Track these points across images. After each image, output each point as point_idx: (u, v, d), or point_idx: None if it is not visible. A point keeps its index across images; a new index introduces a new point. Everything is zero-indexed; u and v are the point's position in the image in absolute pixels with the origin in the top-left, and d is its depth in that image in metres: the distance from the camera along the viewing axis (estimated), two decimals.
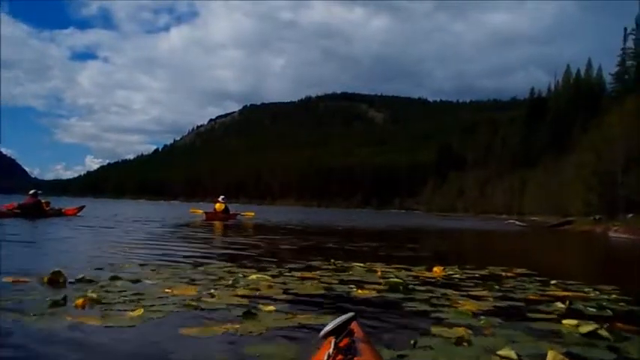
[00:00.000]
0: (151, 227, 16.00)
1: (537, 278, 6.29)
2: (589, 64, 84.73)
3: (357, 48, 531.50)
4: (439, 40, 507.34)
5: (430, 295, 4.83)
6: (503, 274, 6.72)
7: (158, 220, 21.62)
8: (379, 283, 5.41)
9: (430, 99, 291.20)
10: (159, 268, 5.90)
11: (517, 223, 38.50)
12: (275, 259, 7.43)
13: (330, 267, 6.72)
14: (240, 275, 5.53)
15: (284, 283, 5.17)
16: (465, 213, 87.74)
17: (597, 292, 5.35)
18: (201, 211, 22.89)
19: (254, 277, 5.43)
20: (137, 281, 4.96)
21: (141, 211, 32.81)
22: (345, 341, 1.63)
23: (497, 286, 5.50)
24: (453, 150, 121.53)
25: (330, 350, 1.58)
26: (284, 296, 4.47)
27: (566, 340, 3.33)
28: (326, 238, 14.28)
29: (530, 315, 4.07)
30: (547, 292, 5.25)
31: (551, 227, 31.98)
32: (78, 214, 20.29)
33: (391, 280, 5.53)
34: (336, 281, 5.46)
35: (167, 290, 4.52)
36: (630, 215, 27.24)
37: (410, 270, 6.65)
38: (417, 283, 5.58)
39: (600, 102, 67.21)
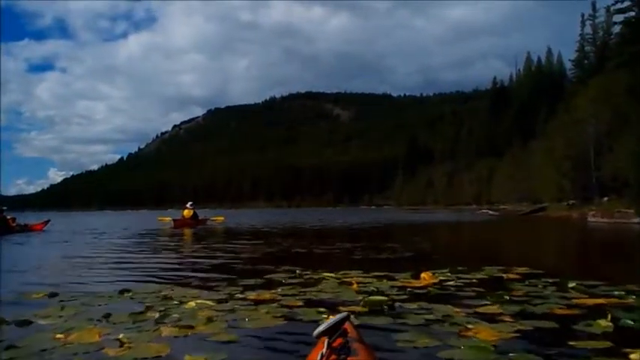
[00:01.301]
0: (109, 239, 15.13)
1: (548, 280, 5.14)
2: (549, 52, 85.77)
3: (318, 47, 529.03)
4: (400, 36, 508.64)
5: (426, 316, 3.62)
6: (505, 276, 5.58)
7: (120, 231, 20.61)
8: (356, 302, 4.18)
9: (394, 94, 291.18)
10: (72, 298, 4.55)
11: (489, 212, 37.98)
12: (229, 274, 6.13)
13: (295, 280, 5.46)
14: (176, 302, 4.24)
15: (231, 311, 3.90)
16: (434, 205, 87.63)
17: (633, 297, 4.23)
18: (169, 219, 22.47)
19: (193, 304, 4.14)
20: (27, 323, 3.61)
21: (106, 223, 31.51)
22: (338, 341, 1.62)
23: (506, 296, 4.32)
24: (420, 144, 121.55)
25: (324, 350, 1.58)
26: (225, 335, 3.20)
27: None
28: (294, 240, 12.99)
29: (573, 343, 2.90)
30: (572, 301, 4.10)
31: (524, 215, 31.38)
32: (43, 229, 20.01)
33: (372, 297, 4.30)
34: (301, 302, 4.20)
35: (59, 336, 3.21)
36: (606, 199, 26.68)
37: (393, 278, 5.43)
38: (404, 297, 4.37)
39: (562, 88, 67.97)
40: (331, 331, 1.62)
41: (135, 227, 23.49)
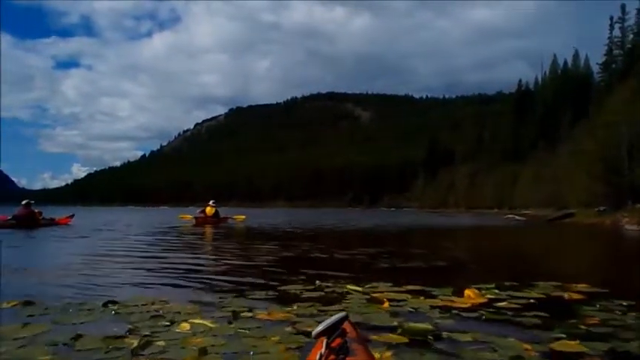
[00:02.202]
0: (126, 235, 14.96)
1: (622, 303, 4.18)
2: (576, 55, 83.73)
3: (340, 47, 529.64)
4: (422, 37, 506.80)
5: (488, 355, 2.75)
6: (566, 295, 4.64)
7: (143, 227, 20.39)
8: (392, 328, 3.32)
9: (416, 96, 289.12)
10: (46, 312, 3.77)
11: (516, 217, 36.59)
12: (239, 283, 5.32)
13: (314, 294, 4.61)
14: (167, 323, 3.42)
15: (233, 337, 3.07)
16: (455, 208, 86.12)
17: None
18: (190, 217, 22.49)
19: (186, 326, 3.31)
20: None
21: (128, 219, 31.11)
22: (337, 341, 1.60)
23: (582, 326, 3.42)
24: (442, 145, 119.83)
25: (322, 350, 1.57)
26: None
27: None
28: (314, 244, 12.03)
29: None
30: None
31: (551, 220, 29.99)
32: (69, 223, 20.13)
33: (413, 325, 3.40)
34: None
35: None
36: (639, 205, 25.16)
37: (431, 295, 4.55)
38: (451, 323, 3.49)
39: (589, 92, 66.13)
40: (330, 331, 1.59)
41: (154, 224, 23.08)
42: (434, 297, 4.46)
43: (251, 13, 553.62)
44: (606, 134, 29.47)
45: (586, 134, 34.96)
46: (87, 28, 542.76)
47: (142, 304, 4.03)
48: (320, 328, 1.60)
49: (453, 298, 4.45)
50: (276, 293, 4.65)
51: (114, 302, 4.09)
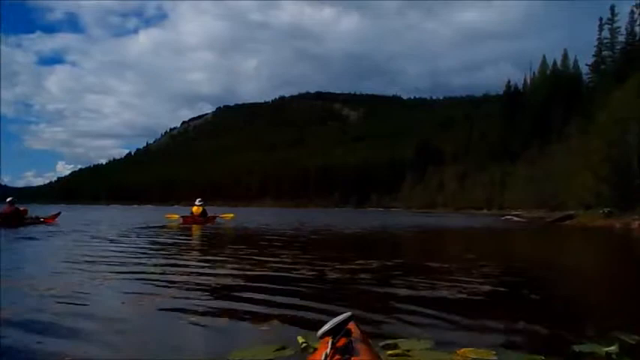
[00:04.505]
0: (105, 235, 13.94)
1: None
2: (565, 56, 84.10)
3: (328, 47, 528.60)
4: (410, 38, 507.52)
5: None
6: None
7: (121, 226, 19.29)
8: None
9: (404, 96, 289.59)
10: None
11: (514, 218, 35.96)
12: (212, 328, 3.75)
13: None
14: None
15: None
16: (445, 208, 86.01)
17: None
18: (177, 216, 22.13)
19: None
20: None
21: (110, 217, 30.34)
22: (342, 341, 1.60)
23: None
24: (431, 146, 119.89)
25: (328, 350, 1.56)
26: None
27: None
28: (300, 253, 9.59)
29: None
30: None
31: (553, 222, 29.33)
32: (56, 222, 19.85)
33: None
34: None
35: None
36: None
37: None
38: None
39: (579, 93, 66.34)
40: (335, 331, 1.59)
41: (138, 223, 22.08)
42: None
43: (239, 12, 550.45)
44: (614, 132, 28.12)
45: (587, 133, 34.12)
46: (72, 24, 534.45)
47: None
48: (325, 327, 1.60)
49: None
50: None
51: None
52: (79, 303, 4.45)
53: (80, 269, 6.74)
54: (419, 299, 4.94)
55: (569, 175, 35.56)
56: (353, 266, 7.42)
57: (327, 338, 1.60)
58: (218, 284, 5.69)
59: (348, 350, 1.55)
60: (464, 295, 5.22)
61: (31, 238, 12.36)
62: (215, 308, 4.35)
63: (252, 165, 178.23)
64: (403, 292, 5.38)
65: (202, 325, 3.77)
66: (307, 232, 18.04)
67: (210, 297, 4.90)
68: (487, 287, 5.80)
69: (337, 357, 1.52)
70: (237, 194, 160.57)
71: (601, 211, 26.97)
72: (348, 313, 1.65)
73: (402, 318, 4.05)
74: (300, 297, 4.87)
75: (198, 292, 5.09)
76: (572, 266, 9.70)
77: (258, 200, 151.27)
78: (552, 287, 6.62)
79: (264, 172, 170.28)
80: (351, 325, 1.70)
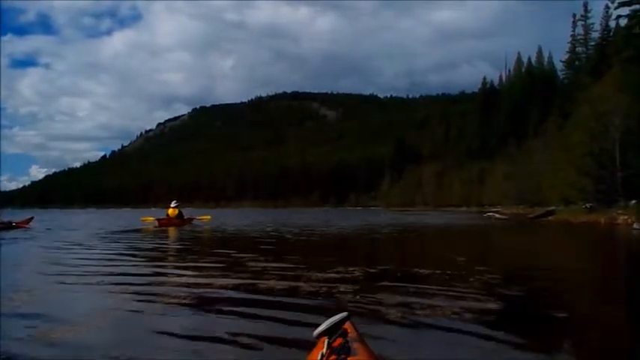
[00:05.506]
0: (75, 239, 14.05)
1: None
2: (539, 53, 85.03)
3: (305, 47, 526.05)
4: (386, 37, 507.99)
5: None
6: None
7: (95, 230, 19.13)
8: None
9: (381, 95, 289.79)
10: None
11: (496, 216, 35.86)
12: None
13: None
14: None
15: None
16: (424, 207, 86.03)
17: None
18: (152, 219, 21.66)
19: None
20: None
21: (84, 221, 29.83)
22: (338, 341, 1.58)
23: None
24: (408, 144, 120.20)
25: (324, 350, 1.54)
26: None
27: None
28: (274, 258, 8.80)
29: None
30: None
31: (535, 219, 29.18)
32: (29, 226, 19.94)
33: None
34: None
35: None
36: (634, 202, 23.71)
37: None
38: None
39: (554, 89, 67.02)
40: (331, 331, 1.57)
41: (112, 227, 21.55)
42: None
43: (214, 11, 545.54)
44: (597, 126, 27.69)
45: (564, 129, 34.10)
46: (45, 25, 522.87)
47: None
48: (321, 328, 1.58)
49: None
50: None
51: None
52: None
53: (51, 281, 6.43)
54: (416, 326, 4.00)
55: (549, 171, 35.55)
56: (335, 274, 6.67)
57: (323, 338, 1.58)
58: (195, 294, 5.35)
59: (344, 350, 1.53)
60: (474, 326, 3.96)
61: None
62: (191, 324, 4.09)
63: (230, 166, 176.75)
64: (398, 313, 4.35)
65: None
66: (287, 232, 17.60)
67: (188, 310, 4.62)
68: (493, 305, 4.74)
69: (333, 357, 1.50)
70: (215, 195, 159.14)
71: (583, 207, 26.79)
72: (345, 313, 1.62)
73: None
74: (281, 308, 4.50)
75: (176, 306, 4.76)
76: (584, 273, 8.35)
77: (236, 201, 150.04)
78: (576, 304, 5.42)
79: (242, 173, 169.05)
80: (348, 325, 1.68)
